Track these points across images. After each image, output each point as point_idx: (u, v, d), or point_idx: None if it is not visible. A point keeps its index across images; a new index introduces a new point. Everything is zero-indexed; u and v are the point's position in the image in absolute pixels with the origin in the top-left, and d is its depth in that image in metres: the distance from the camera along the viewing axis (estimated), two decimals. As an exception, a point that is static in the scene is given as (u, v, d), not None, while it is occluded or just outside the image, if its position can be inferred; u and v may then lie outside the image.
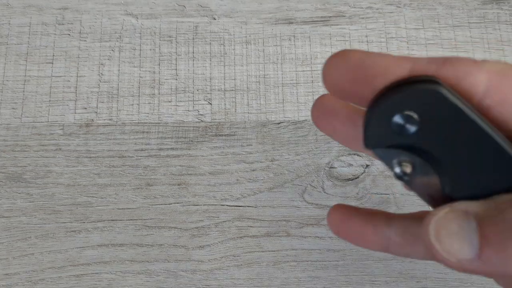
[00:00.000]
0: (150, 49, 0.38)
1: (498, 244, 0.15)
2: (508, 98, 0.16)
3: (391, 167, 0.18)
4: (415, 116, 0.16)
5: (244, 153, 0.35)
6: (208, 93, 0.37)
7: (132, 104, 0.36)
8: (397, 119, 0.17)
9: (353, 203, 0.34)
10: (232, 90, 0.37)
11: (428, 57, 0.17)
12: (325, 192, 0.34)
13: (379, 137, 0.17)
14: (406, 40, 0.38)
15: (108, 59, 0.37)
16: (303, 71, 0.37)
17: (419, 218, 0.20)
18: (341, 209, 0.22)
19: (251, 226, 0.34)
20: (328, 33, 0.38)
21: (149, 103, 0.36)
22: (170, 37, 0.38)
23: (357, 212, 0.21)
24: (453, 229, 0.15)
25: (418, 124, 0.16)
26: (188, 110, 0.36)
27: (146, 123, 0.36)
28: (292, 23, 0.38)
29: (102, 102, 0.36)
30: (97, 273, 0.33)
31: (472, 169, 0.17)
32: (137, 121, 0.36)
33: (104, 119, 0.36)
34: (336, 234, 0.22)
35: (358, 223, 0.21)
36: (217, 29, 0.38)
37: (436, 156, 0.17)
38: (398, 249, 0.21)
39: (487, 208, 0.16)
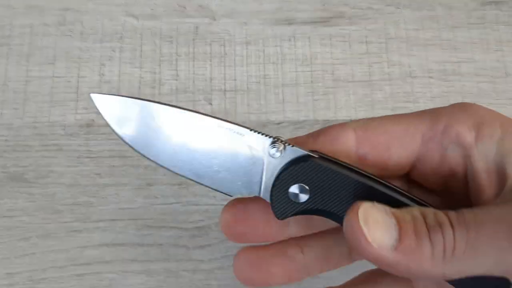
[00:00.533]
0: (151, 50, 0.38)
1: (414, 240, 0.17)
2: (376, 144, 0.21)
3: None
4: (306, 186, 0.20)
5: (244, 153, 0.35)
6: (208, 94, 0.37)
7: (133, 105, 0.36)
8: (292, 191, 0.20)
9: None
10: (233, 91, 0.37)
11: (307, 134, 0.22)
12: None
13: (284, 209, 0.21)
14: (405, 41, 0.38)
15: (109, 60, 0.37)
16: (303, 71, 0.37)
17: (329, 235, 0.23)
18: (247, 253, 0.23)
19: (251, 226, 0.34)
20: (328, 34, 0.38)
21: (149, 104, 0.36)
22: (170, 37, 0.38)
23: (266, 250, 0.23)
24: (377, 218, 0.18)
25: (310, 191, 0.20)
26: (189, 111, 0.36)
27: (147, 123, 0.36)
28: (292, 23, 0.39)
29: (103, 103, 0.36)
30: (98, 272, 0.33)
31: None
32: (138, 121, 0.36)
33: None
34: (249, 284, 0.24)
35: (272, 259, 0.23)
36: (218, 30, 0.38)
37: (333, 212, 0.20)
38: (317, 270, 0.24)
39: (401, 212, 0.18)
